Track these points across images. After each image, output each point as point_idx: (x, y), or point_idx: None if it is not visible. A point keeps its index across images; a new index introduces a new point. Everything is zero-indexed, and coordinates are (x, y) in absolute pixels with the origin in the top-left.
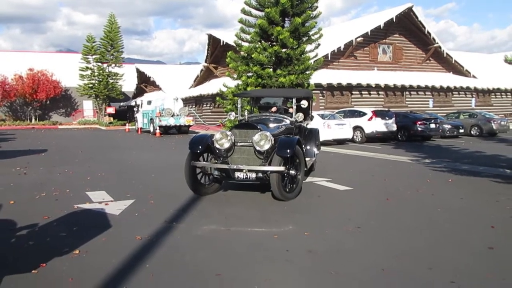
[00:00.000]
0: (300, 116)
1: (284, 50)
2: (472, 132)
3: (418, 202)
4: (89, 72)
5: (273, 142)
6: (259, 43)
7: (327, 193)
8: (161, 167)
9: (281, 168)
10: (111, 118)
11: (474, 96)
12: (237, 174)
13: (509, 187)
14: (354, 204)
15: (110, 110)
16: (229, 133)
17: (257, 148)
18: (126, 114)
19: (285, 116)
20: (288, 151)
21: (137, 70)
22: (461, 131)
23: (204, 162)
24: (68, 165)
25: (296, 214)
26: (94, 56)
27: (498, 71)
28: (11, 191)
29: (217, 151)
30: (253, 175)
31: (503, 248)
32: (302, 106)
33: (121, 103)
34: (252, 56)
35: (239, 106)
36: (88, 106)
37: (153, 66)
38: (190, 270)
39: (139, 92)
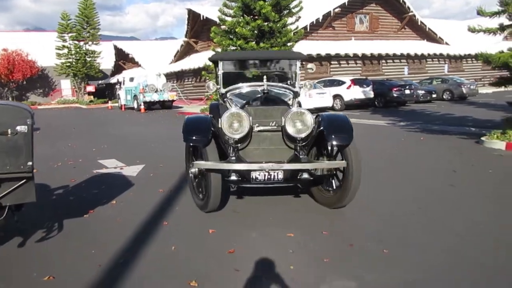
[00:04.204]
0: (309, 84)
1: (266, 23)
2: (444, 97)
3: (393, 156)
4: (66, 50)
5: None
6: (242, 17)
7: None
8: (156, 138)
9: (343, 163)
10: (92, 97)
11: (446, 62)
12: (254, 174)
13: (472, 142)
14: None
15: (90, 88)
16: (243, 113)
17: (292, 133)
18: (105, 92)
19: (287, 86)
20: (347, 136)
21: (115, 47)
22: (434, 96)
23: (210, 163)
24: (68, 140)
25: None
26: (70, 34)
27: (470, 37)
28: None
29: (225, 141)
30: (280, 174)
31: (461, 186)
32: (309, 71)
33: (100, 81)
34: (236, 30)
35: (220, 73)
36: (66, 86)
37: (130, 42)
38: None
39: (118, 69)
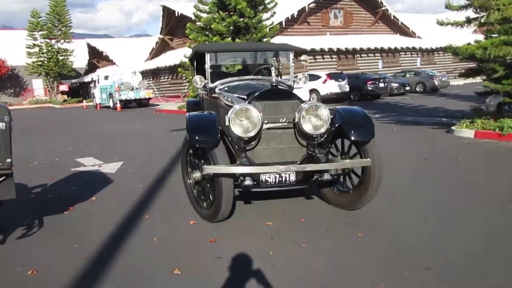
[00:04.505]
0: (303, 78)
1: (242, 19)
2: (417, 89)
3: None
4: (37, 49)
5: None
6: (217, 13)
7: None
8: (134, 136)
9: (367, 161)
10: (65, 96)
11: (419, 55)
12: (264, 177)
13: (443, 131)
14: None
15: (64, 87)
16: (254, 109)
17: (309, 130)
18: (79, 91)
19: (282, 80)
20: (370, 131)
21: (88, 45)
22: (407, 88)
23: (222, 167)
24: (44, 141)
25: None
26: (41, 32)
27: (442, 31)
28: None
29: (231, 141)
30: (292, 176)
31: (431, 172)
32: (303, 63)
33: (73, 80)
34: (212, 26)
35: (208, 66)
36: (38, 85)
37: (104, 40)
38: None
39: (92, 68)
